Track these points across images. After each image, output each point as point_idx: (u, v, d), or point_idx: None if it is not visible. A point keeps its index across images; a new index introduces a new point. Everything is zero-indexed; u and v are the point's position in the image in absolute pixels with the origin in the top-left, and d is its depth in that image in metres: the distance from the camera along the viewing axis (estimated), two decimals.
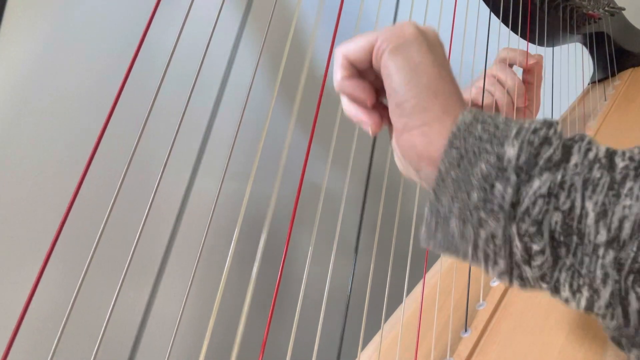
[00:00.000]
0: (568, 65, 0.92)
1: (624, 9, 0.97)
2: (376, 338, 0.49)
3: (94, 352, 0.29)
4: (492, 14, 0.72)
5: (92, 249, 0.28)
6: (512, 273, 0.27)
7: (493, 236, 0.26)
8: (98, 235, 0.29)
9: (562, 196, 0.25)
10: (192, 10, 0.34)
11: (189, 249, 0.63)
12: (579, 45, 1.00)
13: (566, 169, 0.25)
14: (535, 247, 0.25)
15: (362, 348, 0.46)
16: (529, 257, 0.26)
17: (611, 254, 0.24)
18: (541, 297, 0.47)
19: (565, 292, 0.26)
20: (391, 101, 0.31)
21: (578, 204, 0.25)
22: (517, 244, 0.25)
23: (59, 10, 0.55)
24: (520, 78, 0.68)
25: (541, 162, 0.25)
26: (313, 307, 0.44)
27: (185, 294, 0.34)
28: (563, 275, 0.25)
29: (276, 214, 0.37)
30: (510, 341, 0.44)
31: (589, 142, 0.27)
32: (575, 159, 0.26)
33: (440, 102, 0.30)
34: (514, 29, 0.74)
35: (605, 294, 0.24)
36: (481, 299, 0.50)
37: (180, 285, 0.65)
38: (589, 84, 1.02)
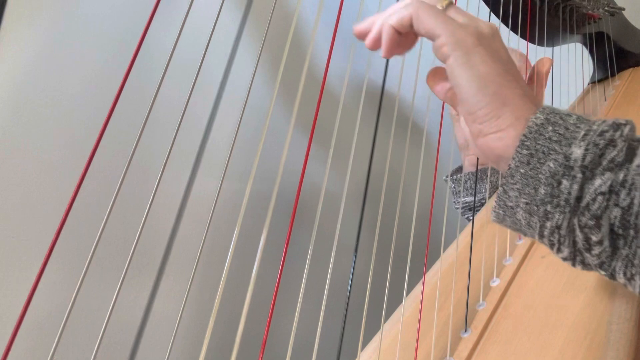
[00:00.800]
0: (568, 65, 0.92)
1: (623, 9, 0.97)
2: (376, 338, 0.49)
3: (94, 352, 0.29)
4: (492, 14, 0.72)
5: (92, 249, 0.28)
6: (575, 259, 0.30)
7: (558, 227, 0.29)
8: (98, 235, 0.29)
9: (623, 194, 0.27)
10: (192, 10, 0.34)
11: (189, 249, 0.63)
12: (579, 45, 1.00)
13: (629, 169, 0.28)
14: (594, 238, 0.28)
15: (362, 348, 0.46)
16: (589, 246, 0.29)
17: None
18: (541, 298, 0.47)
19: (621, 279, 0.29)
20: (463, 107, 0.33)
21: (637, 201, 0.27)
22: (579, 234, 0.29)
23: (58, 10, 0.55)
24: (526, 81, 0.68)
25: (604, 162, 0.28)
26: (313, 307, 0.44)
27: (185, 294, 0.34)
28: (619, 264, 0.29)
29: (276, 214, 0.37)
30: (510, 341, 0.44)
31: None
32: (638, 160, 0.28)
33: (510, 109, 0.32)
34: (514, 29, 0.74)
35: None
36: (481, 299, 0.50)
37: (180, 285, 0.65)
38: (588, 84, 1.02)
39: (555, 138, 0.29)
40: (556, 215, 0.29)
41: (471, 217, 0.78)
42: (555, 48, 0.86)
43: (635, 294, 0.29)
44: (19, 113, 0.53)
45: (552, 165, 0.29)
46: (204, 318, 0.55)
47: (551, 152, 0.29)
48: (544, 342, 0.42)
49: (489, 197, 0.72)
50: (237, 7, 0.66)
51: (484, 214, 0.65)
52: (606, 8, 0.93)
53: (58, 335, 0.27)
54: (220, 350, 0.45)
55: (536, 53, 0.74)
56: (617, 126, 0.29)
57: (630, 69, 1.02)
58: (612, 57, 0.99)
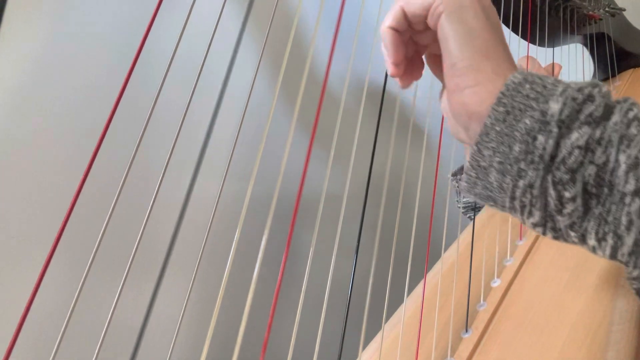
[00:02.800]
0: (568, 65, 0.92)
1: (624, 10, 0.97)
2: (377, 338, 0.49)
3: (95, 352, 0.29)
4: None
5: (94, 250, 0.29)
6: (546, 225, 0.29)
7: (530, 186, 0.28)
8: (100, 236, 0.29)
9: (599, 151, 0.27)
10: (194, 12, 0.34)
11: (191, 250, 0.63)
12: (579, 46, 1.00)
13: (606, 126, 0.27)
14: (567, 195, 0.27)
15: (363, 348, 0.46)
16: (561, 205, 0.28)
17: (637, 203, 0.26)
18: (542, 298, 0.48)
19: (592, 241, 0.28)
20: (445, 62, 0.33)
21: (612, 158, 0.27)
22: (552, 192, 0.28)
23: (59, 11, 0.56)
24: None
25: (582, 117, 0.27)
26: (314, 308, 0.44)
27: (187, 295, 0.34)
28: (591, 224, 0.28)
29: (277, 215, 0.38)
30: (511, 342, 0.44)
31: (632, 104, 0.28)
32: (615, 117, 0.27)
33: (491, 64, 0.32)
34: (515, 30, 0.74)
35: (628, 240, 0.26)
36: (482, 300, 0.50)
37: (182, 286, 0.65)
38: None
39: (532, 95, 0.29)
40: (529, 173, 0.28)
41: (473, 217, 0.78)
42: (555, 49, 0.86)
43: (602, 257, 0.29)
44: (19, 113, 0.53)
45: (528, 122, 0.28)
46: (206, 319, 0.55)
47: (528, 109, 0.29)
48: (545, 342, 0.42)
49: None
50: (238, 9, 0.67)
51: (485, 215, 0.65)
52: (607, 9, 0.93)
53: (60, 335, 0.27)
54: (221, 350, 0.45)
55: (537, 54, 0.74)
56: (595, 85, 0.29)
57: (631, 70, 1.02)
58: (612, 57, 0.99)
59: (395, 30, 0.36)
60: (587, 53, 1.01)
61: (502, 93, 0.30)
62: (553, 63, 0.68)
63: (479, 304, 0.49)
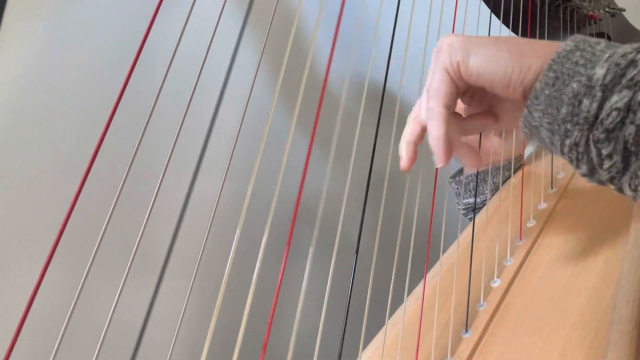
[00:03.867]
0: None
1: (624, 10, 0.97)
2: (377, 338, 0.49)
3: (95, 352, 0.29)
4: (492, 15, 0.72)
5: (94, 250, 0.29)
6: (593, 176, 0.32)
7: (576, 144, 0.31)
8: (100, 236, 0.29)
9: None
10: (194, 12, 0.34)
11: (191, 250, 0.63)
12: None
13: None
14: (604, 152, 0.30)
15: (363, 348, 0.46)
16: (601, 161, 0.30)
17: None
18: (542, 298, 0.48)
19: (628, 191, 0.30)
20: (498, 89, 0.35)
21: None
22: (592, 149, 0.30)
23: (59, 11, 0.55)
24: None
25: (624, 81, 0.29)
26: (314, 308, 0.44)
27: (187, 295, 0.34)
28: (626, 177, 0.30)
29: (277, 215, 0.38)
30: (511, 342, 0.44)
31: None
32: None
33: (531, 56, 0.33)
34: (515, 30, 0.74)
35: None
36: (482, 300, 0.50)
37: (182, 286, 0.65)
38: None
39: (581, 62, 0.31)
40: (575, 133, 0.30)
41: (473, 219, 0.78)
42: None
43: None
44: (19, 113, 0.53)
45: (575, 86, 0.30)
46: (206, 318, 0.55)
47: (576, 74, 0.30)
48: (545, 342, 0.42)
49: (490, 198, 0.72)
50: (239, 8, 0.67)
51: (485, 216, 0.65)
52: (607, 9, 0.93)
53: (60, 335, 0.27)
54: (221, 350, 0.45)
55: None
56: (639, 50, 0.30)
57: None
58: None
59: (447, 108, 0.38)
60: None
61: (553, 60, 0.32)
62: None
63: (478, 304, 0.49)
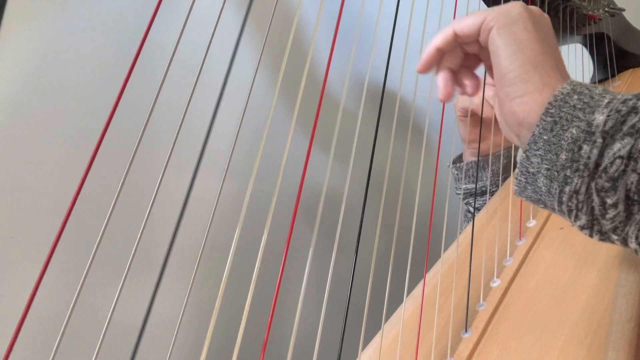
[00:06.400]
0: (568, 66, 0.92)
1: (624, 10, 0.97)
2: (377, 338, 0.49)
3: (95, 352, 0.29)
4: None
5: (94, 250, 0.28)
6: (593, 227, 0.31)
7: (576, 192, 0.30)
8: (99, 236, 0.29)
9: None
10: (194, 11, 0.34)
11: (191, 249, 0.63)
12: (579, 46, 1.00)
13: None
14: (609, 201, 0.29)
15: (363, 348, 0.46)
16: (604, 210, 0.29)
17: None
18: (542, 298, 0.48)
19: (633, 244, 0.29)
20: (496, 73, 0.35)
21: None
22: (595, 198, 0.29)
23: (59, 10, 0.55)
24: None
25: (625, 128, 0.28)
26: (314, 307, 0.44)
27: (187, 294, 0.34)
28: (632, 228, 0.29)
29: (277, 214, 0.37)
30: (511, 342, 0.44)
31: None
32: None
33: (540, 74, 0.33)
34: None
35: None
36: (481, 300, 0.50)
37: (182, 285, 0.65)
38: None
39: (579, 106, 0.30)
40: (575, 180, 0.29)
41: (472, 203, 0.78)
42: None
43: None
44: (19, 113, 0.53)
45: (574, 131, 0.30)
46: (206, 318, 0.55)
47: (574, 119, 0.30)
48: (545, 342, 0.42)
49: (490, 184, 0.73)
50: (238, 8, 0.66)
51: (485, 215, 0.65)
52: (606, 9, 0.93)
53: (60, 335, 0.27)
54: (221, 350, 0.45)
55: None
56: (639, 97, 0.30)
57: (631, 70, 1.02)
58: (612, 57, 0.99)
59: (440, 50, 0.39)
60: (586, 53, 1.01)
61: (550, 103, 0.31)
62: None
63: (478, 303, 0.49)
